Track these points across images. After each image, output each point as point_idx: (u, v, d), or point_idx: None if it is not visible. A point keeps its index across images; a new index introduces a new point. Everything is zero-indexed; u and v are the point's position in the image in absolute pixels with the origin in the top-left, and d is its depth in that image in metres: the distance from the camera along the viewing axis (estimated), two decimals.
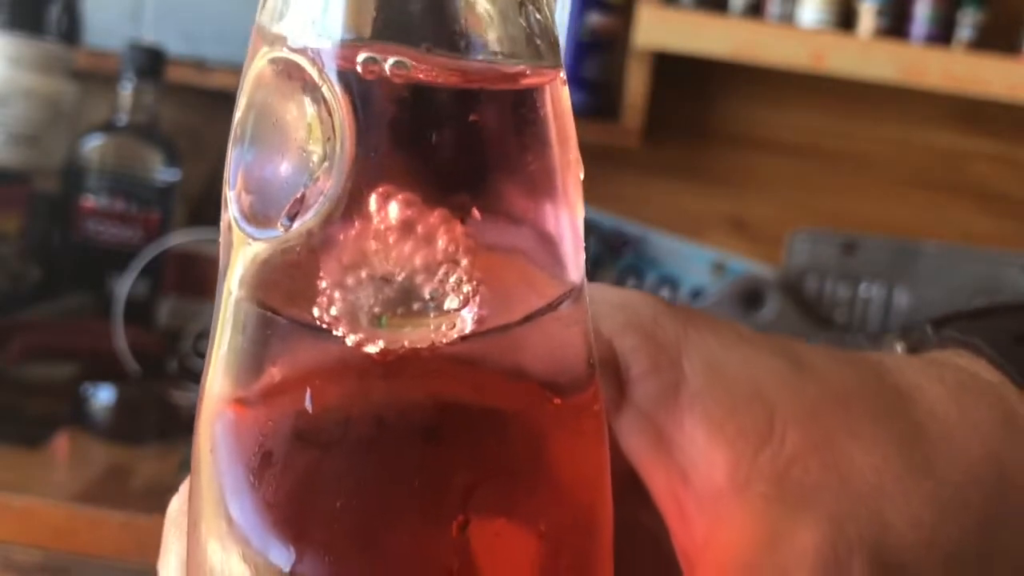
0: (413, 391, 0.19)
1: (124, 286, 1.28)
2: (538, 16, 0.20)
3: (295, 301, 0.19)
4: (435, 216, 0.18)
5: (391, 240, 0.18)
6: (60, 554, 0.96)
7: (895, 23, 1.47)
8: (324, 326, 0.18)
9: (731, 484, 0.23)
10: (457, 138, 0.19)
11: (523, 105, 0.19)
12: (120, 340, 1.22)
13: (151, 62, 1.37)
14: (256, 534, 0.18)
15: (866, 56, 1.44)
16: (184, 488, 0.23)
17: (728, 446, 0.23)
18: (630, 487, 0.24)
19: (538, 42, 0.20)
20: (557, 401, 0.20)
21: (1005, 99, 1.44)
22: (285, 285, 0.19)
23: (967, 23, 1.46)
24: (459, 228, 0.19)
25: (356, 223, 0.18)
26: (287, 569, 0.18)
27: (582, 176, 0.21)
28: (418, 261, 0.18)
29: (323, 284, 0.18)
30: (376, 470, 0.18)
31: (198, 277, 1.33)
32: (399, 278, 0.18)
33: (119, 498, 1.00)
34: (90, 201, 1.34)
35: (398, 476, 0.18)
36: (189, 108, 1.49)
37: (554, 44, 0.20)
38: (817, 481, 0.23)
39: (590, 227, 1.58)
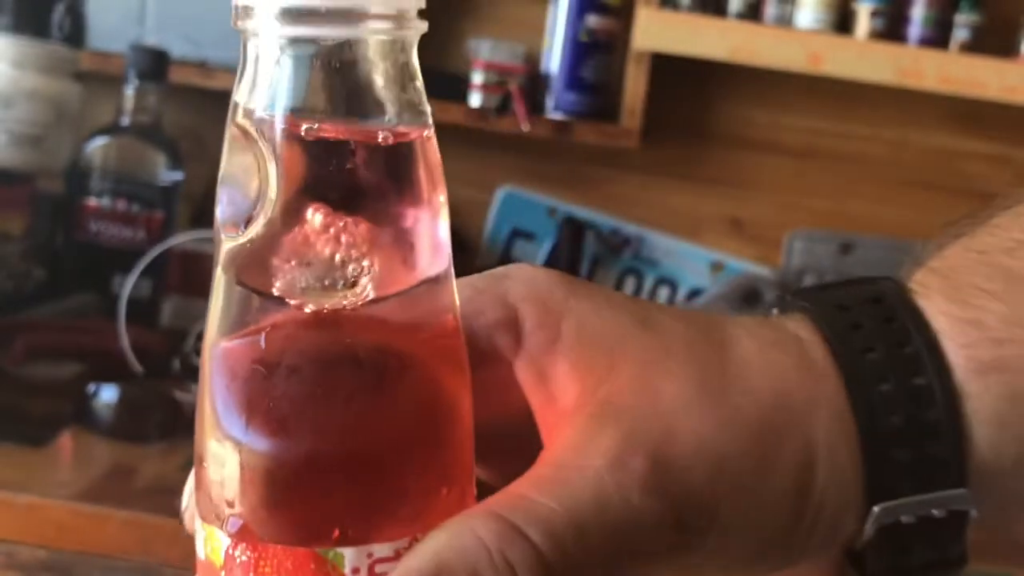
0: (328, 336, 0.30)
1: (127, 286, 1.29)
2: (413, 92, 0.31)
3: (256, 279, 0.30)
4: (339, 225, 0.30)
5: (311, 241, 0.30)
6: (64, 553, 0.97)
7: (892, 25, 1.48)
8: (275, 294, 0.30)
9: (574, 408, 0.32)
10: (353, 175, 0.30)
11: (400, 152, 0.30)
12: (123, 340, 1.23)
13: (154, 64, 1.38)
14: (228, 421, 0.30)
15: (863, 58, 1.45)
16: None
17: (579, 382, 0.32)
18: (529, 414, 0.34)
19: (414, 109, 0.31)
20: (425, 341, 0.31)
21: (1001, 100, 1.45)
22: (248, 269, 0.30)
23: (963, 25, 1.47)
24: (357, 234, 0.30)
25: (286, 230, 0.30)
26: (244, 440, 0.29)
27: (444, 200, 0.31)
28: (332, 255, 0.30)
29: (271, 268, 0.30)
30: (299, 380, 0.30)
31: (201, 277, 1.33)
32: (318, 265, 0.30)
33: (123, 497, 1.01)
34: (94, 202, 1.35)
35: (314, 384, 0.30)
36: (192, 109, 1.50)
37: (424, 110, 0.31)
38: (630, 405, 0.31)
39: (590, 227, 1.59)
